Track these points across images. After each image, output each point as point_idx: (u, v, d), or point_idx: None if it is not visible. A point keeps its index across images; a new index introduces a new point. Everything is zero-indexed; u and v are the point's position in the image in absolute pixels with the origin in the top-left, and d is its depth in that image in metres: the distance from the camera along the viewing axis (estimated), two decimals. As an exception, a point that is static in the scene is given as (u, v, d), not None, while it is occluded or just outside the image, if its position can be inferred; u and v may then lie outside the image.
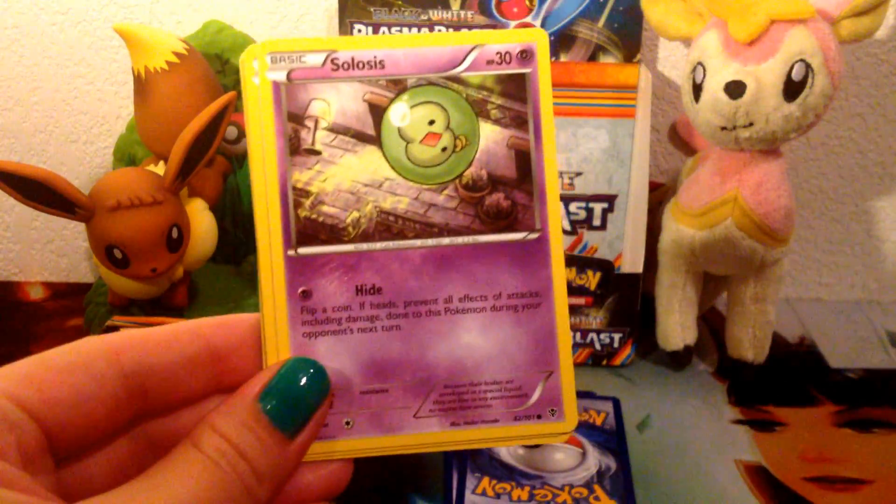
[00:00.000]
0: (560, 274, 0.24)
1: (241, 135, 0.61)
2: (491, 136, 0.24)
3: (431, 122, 0.24)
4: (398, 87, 0.24)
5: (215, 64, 0.60)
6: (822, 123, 0.60)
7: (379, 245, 0.24)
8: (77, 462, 0.22)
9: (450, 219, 0.24)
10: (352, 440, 0.24)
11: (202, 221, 0.54)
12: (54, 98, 0.63)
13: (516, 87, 0.24)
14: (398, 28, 0.56)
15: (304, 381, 0.22)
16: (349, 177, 0.24)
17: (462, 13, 0.56)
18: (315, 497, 0.23)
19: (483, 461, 0.45)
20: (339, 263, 0.24)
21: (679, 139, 0.62)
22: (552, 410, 0.24)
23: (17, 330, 0.61)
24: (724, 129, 0.47)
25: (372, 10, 0.56)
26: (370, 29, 0.56)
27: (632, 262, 0.55)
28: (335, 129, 0.24)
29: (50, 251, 0.68)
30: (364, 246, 0.24)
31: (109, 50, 0.62)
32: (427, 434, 0.24)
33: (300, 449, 0.22)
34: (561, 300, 0.24)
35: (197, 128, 0.48)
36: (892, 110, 0.62)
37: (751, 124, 0.46)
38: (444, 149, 0.24)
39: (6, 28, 0.61)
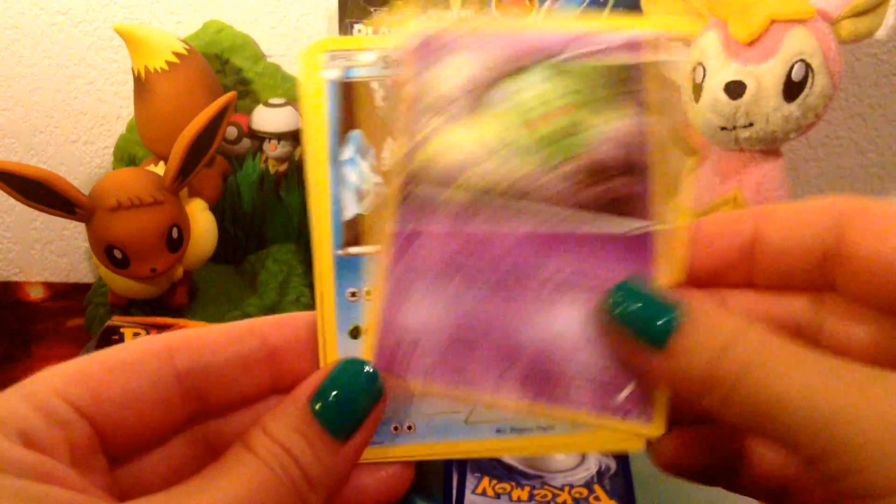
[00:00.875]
0: (675, 267, 0.23)
1: (242, 135, 0.61)
2: (618, 120, 0.23)
3: (552, 100, 0.23)
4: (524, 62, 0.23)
5: (215, 64, 0.60)
6: (822, 123, 0.60)
7: (482, 225, 0.23)
8: (132, 463, 0.22)
9: (559, 201, 0.23)
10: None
11: (202, 221, 0.54)
12: (54, 98, 0.63)
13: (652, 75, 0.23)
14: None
15: (355, 383, 0.22)
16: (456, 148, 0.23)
17: (463, 13, 0.56)
18: (373, 500, 0.23)
19: (483, 461, 0.45)
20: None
21: (679, 139, 0.62)
22: (640, 412, 0.23)
23: (17, 330, 0.61)
24: (724, 129, 0.47)
25: (372, 10, 0.56)
26: (370, 29, 0.56)
27: (632, 262, 0.55)
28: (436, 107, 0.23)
29: (50, 251, 0.68)
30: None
31: (109, 50, 0.62)
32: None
33: (353, 453, 0.22)
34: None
35: (197, 128, 0.48)
36: (892, 110, 0.62)
37: (751, 124, 0.46)
38: (562, 128, 0.23)
39: (6, 28, 0.61)
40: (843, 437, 0.18)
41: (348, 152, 0.23)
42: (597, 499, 0.43)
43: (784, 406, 0.18)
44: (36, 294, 0.67)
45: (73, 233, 0.67)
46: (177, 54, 0.53)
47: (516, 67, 0.23)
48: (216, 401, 0.22)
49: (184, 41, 0.55)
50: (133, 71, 0.54)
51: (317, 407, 0.21)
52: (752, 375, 0.19)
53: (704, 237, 0.23)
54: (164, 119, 0.54)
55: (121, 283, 0.51)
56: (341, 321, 0.23)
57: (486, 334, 0.23)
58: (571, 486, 0.43)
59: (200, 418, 0.23)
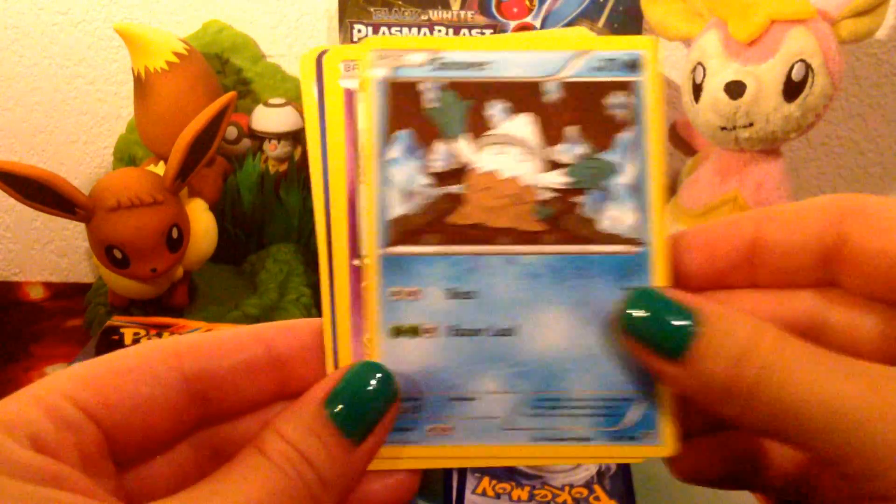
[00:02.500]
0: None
1: (242, 135, 0.61)
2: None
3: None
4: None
5: (215, 64, 0.60)
6: (822, 123, 0.60)
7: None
8: (139, 468, 0.22)
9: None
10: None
11: (202, 221, 0.54)
12: (54, 98, 0.63)
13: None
14: (398, 28, 0.56)
15: (370, 385, 0.22)
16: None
17: (462, 13, 0.56)
18: None
19: (483, 461, 0.45)
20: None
21: (679, 139, 0.62)
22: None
23: (17, 330, 0.61)
24: (724, 129, 0.47)
25: (372, 10, 0.56)
26: (370, 29, 0.56)
27: (632, 262, 0.55)
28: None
29: (50, 251, 0.68)
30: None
31: (109, 50, 0.62)
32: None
33: (366, 455, 0.22)
34: None
35: (197, 128, 0.48)
36: (892, 110, 0.62)
37: (751, 124, 0.46)
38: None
39: (6, 28, 0.61)
40: (862, 440, 0.18)
41: (395, 151, 0.23)
42: (597, 499, 0.43)
43: (803, 411, 0.19)
44: (36, 294, 0.67)
45: (73, 233, 0.67)
46: (177, 54, 0.53)
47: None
48: (222, 406, 0.22)
49: (184, 41, 0.55)
50: (133, 71, 0.54)
51: (331, 409, 0.21)
52: (771, 381, 0.19)
53: (706, 241, 0.23)
54: (164, 119, 0.54)
55: (121, 283, 0.51)
56: (386, 319, 0.23)
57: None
58: (571, 486, 0.43)
59: (206, 424, 0.23)
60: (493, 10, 0.56)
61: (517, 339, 0.23)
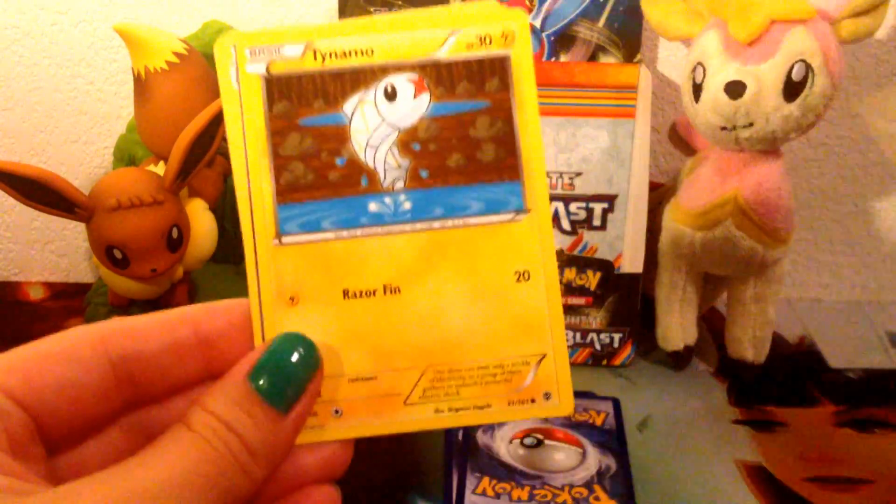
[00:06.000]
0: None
1: (241, 135, 0.61)
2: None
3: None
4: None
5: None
6: (822, 123, 0.60)
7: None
8: (69, 451, 0.22)
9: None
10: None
11: (202, 221, 0.54)
12: (54, 98, 0.63)
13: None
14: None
15: (294, 356, 0.22)
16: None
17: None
18: (315, 479, 0.23)
19: (483, 461, 0.45)
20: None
21: (679, 139, 0.62)
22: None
23: (17, 330, 0.61)
24: (724, 129, 0.47)
25: (372, 10, 0.56)
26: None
27: (632, 262, 0.55)
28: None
29: (50, 251, 0.68)
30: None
31: (109, 50, 0.62)
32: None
33: (294, 425, 0.22)
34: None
35: (197, 128, 0.48)
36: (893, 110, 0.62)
37: (751, 124, 0.46)
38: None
39: (6, 28, 0.61)
40: None
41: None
42: (597, 499, 0.43)
43: None
44: (36, 294, 0.67)
45: (73, 233, 0.67)
46: (177, 54, 0.53)
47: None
48: (151, 388, 0.23)
49: (184, 41, 0.55)
50: (133, 71, 0.54)
51: (256, 381, 0.21)
52: None
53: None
54: (164, 119, 0.54)
55: (121, 283, 0.51)
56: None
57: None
58: (571, 486, 0.43)
59: (136, 406, 0.23)
60: (493, 10, 0.56)
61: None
